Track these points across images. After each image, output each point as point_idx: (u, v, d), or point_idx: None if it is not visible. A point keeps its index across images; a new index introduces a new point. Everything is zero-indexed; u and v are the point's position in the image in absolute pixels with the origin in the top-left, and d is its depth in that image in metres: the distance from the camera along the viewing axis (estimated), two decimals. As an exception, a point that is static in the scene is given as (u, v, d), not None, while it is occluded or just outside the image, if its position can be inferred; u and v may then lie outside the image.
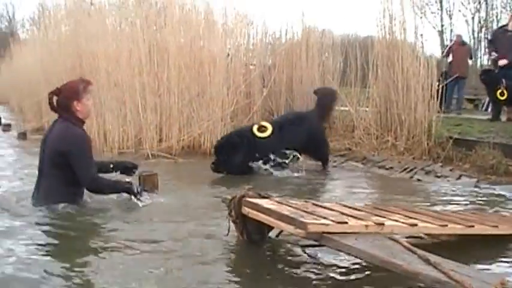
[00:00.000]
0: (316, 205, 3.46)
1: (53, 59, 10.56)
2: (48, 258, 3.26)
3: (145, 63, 8.35)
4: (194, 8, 9.05)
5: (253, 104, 9.29)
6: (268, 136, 6.72)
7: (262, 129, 6.77)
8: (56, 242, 3.60)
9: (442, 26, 25.73)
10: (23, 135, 10.43)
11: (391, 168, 7.04)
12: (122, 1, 9.63)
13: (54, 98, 4.56)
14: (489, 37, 11.36)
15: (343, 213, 3.24)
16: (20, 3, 74.97)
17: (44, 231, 3.79)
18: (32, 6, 64.32)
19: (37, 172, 4.57)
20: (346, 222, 3.00)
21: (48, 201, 4.36)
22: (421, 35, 8.24)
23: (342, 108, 8.91)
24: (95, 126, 8.27)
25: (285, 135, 6.81)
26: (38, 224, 3.97)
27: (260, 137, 6.69)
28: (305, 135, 6.88)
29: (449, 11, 25.68)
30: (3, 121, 13.27)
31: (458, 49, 13.42)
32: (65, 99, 4.51)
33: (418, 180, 6.44)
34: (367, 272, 3.12)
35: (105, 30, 9.01)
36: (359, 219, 3.15)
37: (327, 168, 7.13)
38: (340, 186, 6.14)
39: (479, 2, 24.61)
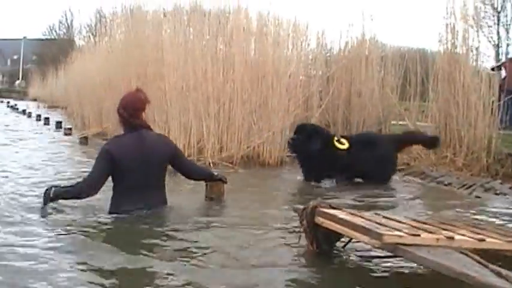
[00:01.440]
0: (387, 217, 3.58)
1: (117, 66, 10.92)
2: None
3: (210, 72, 8.56)
4: (254, 19, 9.27)
5: (311, 116, 9.42)
6: (344, 150, 6.78)
7: (340, 141, 6.86)
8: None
9: (499, 40, 25.28)
10: (84, 140, 10.80)
11: (450, 184, 7.03)
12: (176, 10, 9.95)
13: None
14: None
15: (414, 226, 3.34)
16: (79, 10, 77.72)
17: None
18: (89, 13, 66.34)
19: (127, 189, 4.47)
20: (419, 235, 3.11)
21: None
22: (477, 48, 8.25)
23: (401, 122, 8.95)
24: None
25: (360, 155, 6.82)
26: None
27: (337, 148, 6.76)
28: (375, 160, 6.85)
29: (506, 25, 25.24)
30: (64, 125, 13.81)
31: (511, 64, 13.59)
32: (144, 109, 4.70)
33: (477, 197, 6.37)
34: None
35: (170, 39, 9.31)
36: (430, 232, 3.25)
37: None
38: (400, 200, 6.19)
39: (537, 16, 24.12)
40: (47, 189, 4.55)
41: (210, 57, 8.80)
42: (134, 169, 4.40)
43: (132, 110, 4.54)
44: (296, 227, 3.81)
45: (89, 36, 37.52)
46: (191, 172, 5.14)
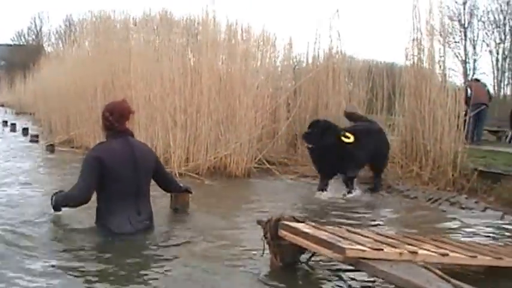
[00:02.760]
0: (351, 231, 3.54)
1: (85, 74, 10.81)
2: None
3: (177, 83, 8.49)
4: (223, 30, 9.25)
5: (278, 129, 9.40)
6: (352, 143, 7.02)
7: (346, 135, 7.05)
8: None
9: (466, 55, 25.75)
10: (51, 147, 10.61)
11: (416, 197, 7.05)
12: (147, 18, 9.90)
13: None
14: None
15: (377, 240, 3.32)
16: (48, 17, 76.74)
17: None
18: (58, 20, 65.69)
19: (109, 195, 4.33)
20: (382, 249, 3.07)
21: (152, 221, 4.49)
22: (443, 62, 8.34)
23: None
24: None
25: (365, 145, 7.19)
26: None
27: (345, 142, 6.98)
28: (377, 146, 7.45)
29: (473, 41, 25.74)
30: (30, 132, 13.59)
31: (475, 84, 14.19)
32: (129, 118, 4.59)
33: (443, 211, 6.43)
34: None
35: (136, 48, 9.24)
36: (393, 246, 3.22)
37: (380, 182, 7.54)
38: (366, 213, 6.18)
39: (504, 32, 24.62)
40: (52, 196, 4.57)
41: (178, 68, 8.72)
42: (123, 175, 4.27)
43: (118, 116, 4.43)
44: (260, 239, 3.74)
45: (58, 43, 37.22)
46: (170, 183, 5.07)
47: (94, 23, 11.90)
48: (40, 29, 55.18)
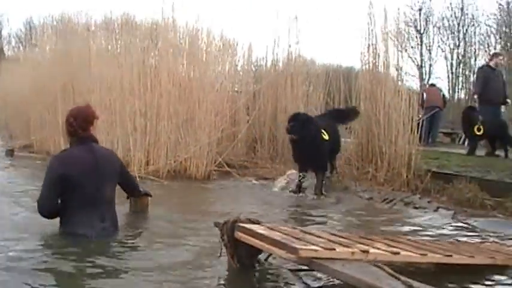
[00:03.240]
0: (305, 232, 3.64)
1: (44, 78, 10.71)
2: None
3: (137, 87, 8.51)
4: (183, 34, 9.29)
5: (237, 132, 9.49)
6: (328, 140, 7.52)
7: (323, 132, 7.45)
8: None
9: (422, 60, 26.35)
10: (10, 152, 10.44)
11: (371, 198, 7.23)
12: (108, 22, 9.88)
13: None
14: (477, 75, 11.75)
15: (330, 240, 3.42)
16: (7, 19, 74.95)
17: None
18: (18, 23, 64.35)
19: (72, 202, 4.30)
20: (334, 249, 3.18)
21: (116, 227, 4.47)
22: (401, 68, 8.60)
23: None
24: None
25: (331, 144, 7.70)
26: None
27: (324, 139, 7.45)
28: (338, 143, 8.15)
29: (429, 46, 26.35)
30: None
31: (430, 88, 14.94)
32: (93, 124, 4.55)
33: (397, 211, 6.62)
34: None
35: (96, 52, 9.20)
36: (345, 246, 3.33)
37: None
38: (322, 214, 6.32)
39: (458, 38, 25.30)
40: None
41: (138, 72, 8.73)
42: (87, 183, 4.22)
43: (82, 122, 4.38)
44: (218, 241, 3.81)
45: (18, 46, 36.50)
46: (134, 187, 5.10)
47: (55, 26, 11.81)
48: (0, 32, 54.05)
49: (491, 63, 10.98)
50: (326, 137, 7.46)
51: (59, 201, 4.31)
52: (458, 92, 23.37)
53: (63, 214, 4.31)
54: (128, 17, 10.82)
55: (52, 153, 9.00)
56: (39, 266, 3.57)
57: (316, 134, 7.29)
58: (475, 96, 10.88)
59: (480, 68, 11.95)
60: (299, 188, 7.38)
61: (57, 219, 4.38)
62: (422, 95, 13.64)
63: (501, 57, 11.57)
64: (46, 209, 4.32)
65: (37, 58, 12.71)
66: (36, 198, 4.47)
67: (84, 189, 4.21)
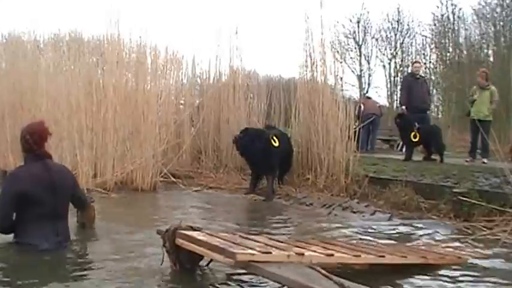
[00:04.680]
0: (243, 237, 3.83)
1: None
2: None
3: (83, 101, 8.55)
4: (129, 49, 9.37)
5: (182, 143, 9.62)
6: (278, 146, 8.04)
7: (274, 139, 8.03)
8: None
9: (361, 70, 27.04)
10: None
11: (311, 204, 7.50)
12: (56, 39, 9.87)
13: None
14: (402, 84, 12.30)
15: (267, 245, 3.61)
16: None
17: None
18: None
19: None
20: (270, 253, 3.37)
21: (68, 240, 4.54)
22: (341, 78, 8.96)
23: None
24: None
25: (283, 149, 8.21)
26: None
27: (274, 146, 8.01)
28: (288, 152, 8.62)
29: (368, 57, 27.05)
30: None
31: (367, 100, 15.58)
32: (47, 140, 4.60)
33: (336, 215, 6.90)
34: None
35: (44, 68, 9.17)
36: (282, 249, 3.53)
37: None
38: (265, 220, 6.54)
39: (395, 48, 26.08)
40: None
41: (84, 87, 8.79)
42: (43, 199, 4.28)
43: (38, 138, 4.42)
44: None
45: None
46: (84, 202, 5.12)
47: (3, 43, 11.69)
48: None
49: (412, 71, 11.67)
50: (276, 143, 7.98)
51: (14, 216, 4.37)
52: (396, 100, 24.03)
53: (18, 227, 4.36)
54: (76, 33, 10.81)
55: (1, 168, 8.98)
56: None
57: (266, 146, 7.90)
58: (403, 107, 11.28)
59: (404, 77, 12.50)
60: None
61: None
62: (360, 107, 14.06)
63: (417, 65, 12.20)
64: (1, 225, 4.37)
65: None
66: None
67: (40, 204, 4.27)
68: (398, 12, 25.94)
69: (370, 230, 5.96)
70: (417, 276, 4.07)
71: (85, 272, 3.89)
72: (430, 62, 23.78)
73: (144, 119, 8.66)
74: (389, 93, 25.55)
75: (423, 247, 5.03)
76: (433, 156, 10.57)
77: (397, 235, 5.76)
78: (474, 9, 22.11)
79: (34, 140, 4.40)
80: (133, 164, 8.49)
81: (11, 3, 35.77)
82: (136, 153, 8.55)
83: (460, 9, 22.69)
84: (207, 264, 3.90)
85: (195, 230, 3.82)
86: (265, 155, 7.89)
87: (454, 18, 22.77)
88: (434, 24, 23.52)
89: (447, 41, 23.08)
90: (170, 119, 9.37)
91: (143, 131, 8.63)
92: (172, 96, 9.99)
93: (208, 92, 10.34)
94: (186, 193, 8.43)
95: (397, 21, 25.88)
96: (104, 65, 9.32)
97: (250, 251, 3.32)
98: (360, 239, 5.43)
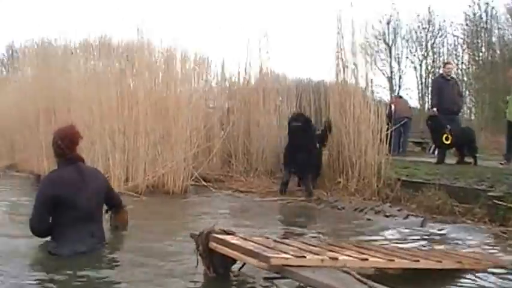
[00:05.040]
0: (277, 241, 3.81)
1: (27, 100, 10.93)
2: None
3: (115, 106, 8.68)
4: (158, 53, 9.46)
5: (212, 147, 9.66)
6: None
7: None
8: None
9: (392, 72, 26.79)
10: (-5, 172, 10.59)
11: (343, 208, 7.43)
12: (86, 44, 10.03)
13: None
14: (432, 86, 12.16)
15: (301, 249, 3.59)
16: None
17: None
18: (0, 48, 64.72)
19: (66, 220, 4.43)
20: (305, 257, 3.35)
21: (104, 242, 4.62)
22: (372, 80, 8.89)
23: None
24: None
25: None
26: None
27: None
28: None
29: (398, 58, 26.79)
30: None
31: (398, 100, 15.45)
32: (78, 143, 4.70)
33: (368, 219, 6.81)
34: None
35: (75, 73, 9.32)
36: (316, 254, 3.50)
37: None
38: (297, 223, 6.50)
39: (426, 49, 25.77)
40: None
41: (116, 92, 8.90)
42: (76, 203, 4.38)
43: (69, 142, 4.53)
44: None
45: (1, 70, 36.60)
46: (118, 202, 5.26)
47: (35, 50, 11.97)
48: None
49: (443, 73, 11.46)
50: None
51: (50, 220, 4.46)
52: (428, 102, 23.74)
53: (54, 231, 4.46)
54: (105, 39, 10.97)
55: (35, 172, 9.18)
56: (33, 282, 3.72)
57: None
58: (434, 109, 11.13)
59: (434, 79, 12.30)
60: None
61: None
62: (390, 106, 13.93)
63: (449, 66, 11.98)
64: (38, 229, 4.49)
65: (19, 81, 12.87)
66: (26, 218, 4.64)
67: (74, 208, 4.37)
68: (429, 12, 25.61)
69: (403, 235, 5.88)
70: (452, 282, 4.00)
71: (120, 274, 3.94)
72: (462, 62, 23.35)
73: (175, 123, 8.72)
74: (420, 95, 25.27)
75: (458, 251, 4.94)
76: (466, 159, 10.42)
77: (431, 239, 5.66)
78: (507, 8, 21.78)
79: (65, 145, 4.52)
80: (164, 167, 8.56)
81: (41, 10, 36.57)
82: (168, 157, 8.62)
83: (493, 8, 22.28)
84: (240, 268, 3.89)
85: (228, 233, 3.82)
86: (311, 152, 8.19)
87: (487, 17, 22.39)
88: (467, 24, 23.11)
89: (480, 40, 22.67)
90: (200, 123, 9.39)
91: (174, 135, 8.70)
92: (202, 100, 10.02)
93: (238, 95, 10.36)
94: (216, 196, 8.44)
95: (428, 22, 25.56)
96: (134, 70, 9.42)
97: (284, 255, 3.30)
98: (394, 243, 5.36)
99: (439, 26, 25.38)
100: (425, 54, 25.72)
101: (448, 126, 10.25)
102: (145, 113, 8.67)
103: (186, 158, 8.67)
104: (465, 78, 22.53)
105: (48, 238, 4.56)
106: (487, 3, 22.30)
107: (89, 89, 9.20)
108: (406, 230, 6.09)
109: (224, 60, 10.74)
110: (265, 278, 3.77)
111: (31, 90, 11.05)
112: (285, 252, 3.36)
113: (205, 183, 8.90)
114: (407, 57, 26.44)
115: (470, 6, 22.59)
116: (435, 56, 25.56)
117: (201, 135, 9.30)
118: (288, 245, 3.70)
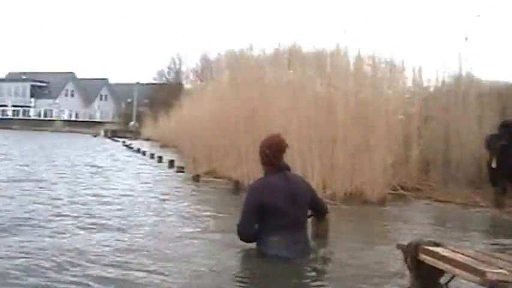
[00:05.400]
0: (489, 255, 3.76)
1: (224, 108, 11.54)
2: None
3: (312, 114, 8.90)
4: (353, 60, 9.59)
5: (410, 155, 9.55)
6: None
7: None
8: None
9: None
10: (196, 177, 11.50)
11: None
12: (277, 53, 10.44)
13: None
14: None
15: (515, 264, 3.49)
16: (185, 55, 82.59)
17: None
18: (195, 59, 70.70)
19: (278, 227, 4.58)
20: (525, 274, 3.25)
21: (309, 248, 4.80)
22: None
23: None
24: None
25: None
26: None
27: None
28: None
29: None
30: (176, 163, 14.75)
31: None
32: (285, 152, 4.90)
33: None
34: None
35: (269, 82, 9.69)
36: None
37: None
38: (504, 237, 6.24)
39: None
40: None
41: (313, 100, 9.14)
42: (283, 210, 4.52)
43: (276, 151, 4.72)
44: (400, 263, 4.04)
45: (196, 80, 39.76)
46: (324, 207, 5.32)
47: (229, 59, 12.64)
48: (179, 68, 60.59)
49: None
50: None
51: (256, 226, 4.72)
52: None
53: (260, 237, 4.70)
54: (297, 48, 11.34)
55: (233, 178, 9.78)
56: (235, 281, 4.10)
57: None
58: None
59: None
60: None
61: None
62: None
63: None
64: (245, 234, 4.76)
65: (215, 90, 13.70)
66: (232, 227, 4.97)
67: (280, 215, 4.53)
68: None
69: None
70: None
71: (324, 283, 4.12)
72: None
73: (373, 131, 8.68)
74: None
75: None
76: None
77: None
78: None
79: (272, 153, 4.69)
80: (362, 176, 8.57)
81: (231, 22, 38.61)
82: (366, 165, 8.59)
83: None
84: (449, 281, 3.88)
85: (437, 245, 3.85)
86: None
87: None
88: None
89: None
90: (398, 130, 9.28)
91: (372, 143, 8.64)
92: (398, 107, 9.86)
93: (435, 101, 10.11)
94: (415, 206, 8.35)
95: None
96: (324, 77, 9.57)
97: (500, 270, 3.25)
98: None
99: None
100: None
101: None
102: (343, 120, 8.73)
103: (385, 166, 8.59)
104: None
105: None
106: None
107: (286, 98, 9.46)
108: None
109: (421, 66, 10.54)
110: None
111: (228, 99, 11.54)
112: (500, 268, 3.31)
113: (404, 192, 8.82)
114: None
115: None
116: None
117: (399, 143, 9.20)
118: (500, 259, 3.62)
